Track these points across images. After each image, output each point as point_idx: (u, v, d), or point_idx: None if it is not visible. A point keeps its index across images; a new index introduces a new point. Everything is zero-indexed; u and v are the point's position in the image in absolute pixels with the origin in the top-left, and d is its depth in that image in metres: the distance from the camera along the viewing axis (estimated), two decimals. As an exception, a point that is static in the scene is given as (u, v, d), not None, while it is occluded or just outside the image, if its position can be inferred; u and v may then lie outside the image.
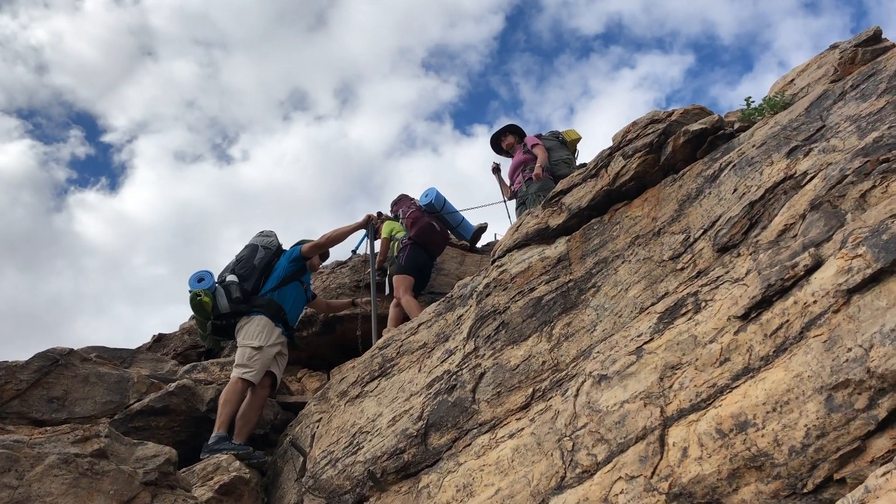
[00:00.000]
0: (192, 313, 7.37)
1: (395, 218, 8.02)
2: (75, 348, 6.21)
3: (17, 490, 3.63)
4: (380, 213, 7.63)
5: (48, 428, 4.15)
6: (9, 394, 5.56)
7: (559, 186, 4.75)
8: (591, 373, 3.41)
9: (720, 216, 3.45)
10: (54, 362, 5.83)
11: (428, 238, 7.61)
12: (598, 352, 3.52)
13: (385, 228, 7.93)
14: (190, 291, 6.13)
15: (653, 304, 3.44)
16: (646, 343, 3.22)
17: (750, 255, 3.07)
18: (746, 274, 2.99)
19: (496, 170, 8.53)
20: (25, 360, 5.90)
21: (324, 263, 7.80)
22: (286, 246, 6.69)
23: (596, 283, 3.93)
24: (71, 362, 5.94)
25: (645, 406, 2.96)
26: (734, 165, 3.72)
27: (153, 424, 5.81)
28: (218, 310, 6.12)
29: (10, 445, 3.76)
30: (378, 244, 7.76)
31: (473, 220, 8.74)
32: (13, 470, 3.69)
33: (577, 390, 3.41)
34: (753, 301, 2.79)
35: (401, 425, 4.34)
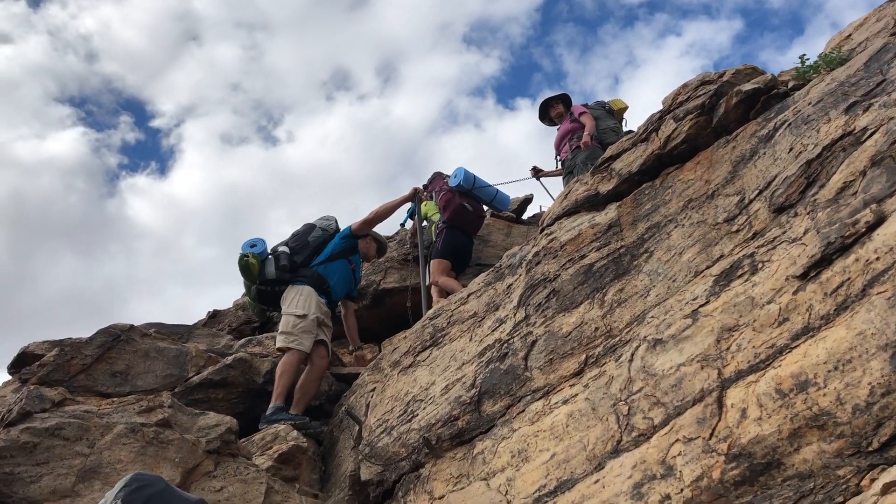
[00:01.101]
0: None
1: (431, 198, 8.02)
2: (135, 324, 6.40)
3: (89, 457, 3.78)
4: (426, 186, 7.64)
5: (115, 399, 4.30)
6: (75, 369, 5.76)
7: (608, 152, 4.71)
8: (645, 337, 3.39)
9: (776, 176, 3.39)
10: (116, 338, 6.02)
11: (462, 220, 7.59)
12: (652, 316, 3.50)
13: (421, 210, 7.93)
14: (241, 253, 6.28)
15: (708, 268, 3.40)
16: (701, 306, 3.19)
17: (808, 214, 3.01)
18: (804, 233, 2.94)
19: (536, 173, 8.40)
20: (88, 337, 6.10)
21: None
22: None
23: (648, 248, 3.90)
24: (131, 338, 6.12)
25: (702, 368, 2.94)
26: (789, 124, 3.64)
27: (212, 397, 5.96)
28: (265, 275, 6.26)
29: (80, 415, 3.91)
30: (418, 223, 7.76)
31: (519, 192, 8.72)
32: (84, 439, 3.84)
33: (632, 355, 3.41)
34: (813, 260, 2.74)
35: (454, 393, 4.39)
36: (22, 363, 7.29)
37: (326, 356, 6.21)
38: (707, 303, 3.18)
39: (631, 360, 3.38)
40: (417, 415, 4.58)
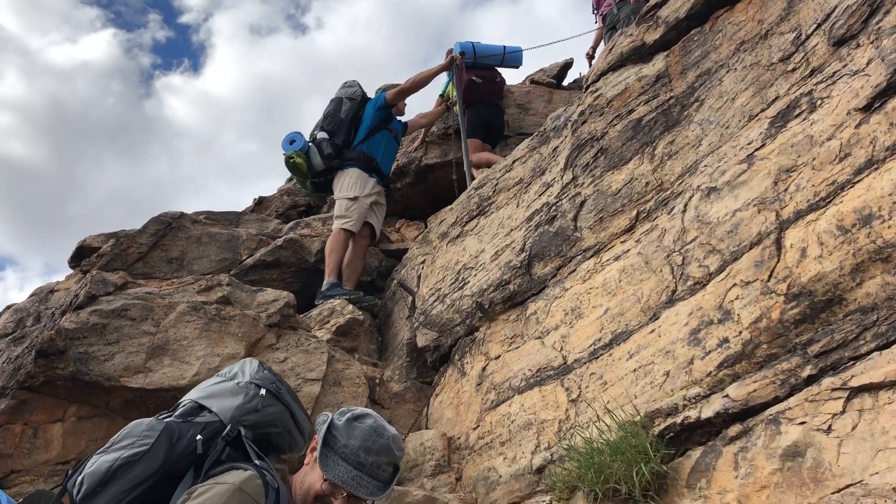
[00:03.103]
0: (289, 175, 7.56)
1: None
2: (185, 212, 6.50)
3: (156, 336, 3.92)
4: (463, 54, 7.41)
5: (175, 280, 4.42)
6: (132, 257, 5.92)
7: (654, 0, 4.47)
8: (698, 187, 3.32)
9: (835, 7, 3.18)
10: (168, 225, 6.14)
11: (475, 94, 7.36)
12: (705, 165, 3.41)
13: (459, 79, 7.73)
14: (284, 154, 6.25)
15: (763, 110, 3.27)
16: (757, 150, 3.09)
17: (871, 43, 2.84)
18: (868, 64, 2.78)
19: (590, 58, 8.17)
20: (142, 226, 6.24)
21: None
22: (371, 94, 6.66)
23: (699, 96, 3.75)
24: (183, 224, 6.24)
25: (759, 212, 2.87)
26: (850, -48, 3.38)
27: (266, 277, 6.11)
28: (313, 168, 6.25)
29: (143, 297, 4.04)
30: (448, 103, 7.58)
31: (558, 57, 8.43)
32: (149, 319, 3.98)
33: (685, 206, 3.35)
34: (877, 90, 2.60)
35: (504, 258, 4.41)
36: (80, 257, 7.52)
37: (368, 236, 6.27)
38: (763, 146, 3.07)
39: (684, 211, 3.33)
40: (469, 282, 4.63)
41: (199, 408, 2.14)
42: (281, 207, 8.98)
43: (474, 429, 3.97)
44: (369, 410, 2.09)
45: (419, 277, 5.41)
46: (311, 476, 2.04)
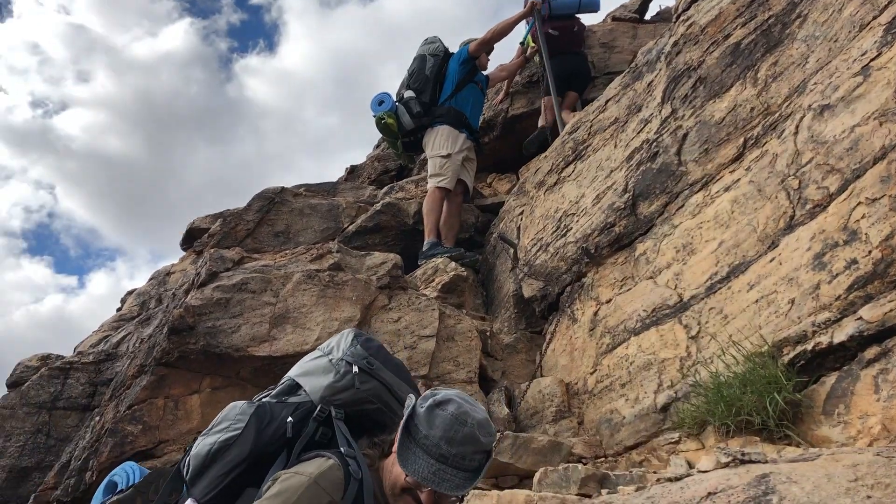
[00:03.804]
0: (380, 136, 7.64)
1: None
2: (285, 186, 6.70)
3: (276, 306, 4.09)
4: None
5: (287, 252, 4.58)
6: (241, 234, 6.16)
7: (742, -84, 4.25)
8: (809, 106, 3.18)
9: None
10: (271, 200, 6.35)
11: (554, 47, 7.15)
12: (814, 83, 3.25)
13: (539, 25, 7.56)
14: (374, 116, 6.31)
15: (875, 17, 3.08)
16: (872, 60, 2.92)
17: None
18: None
19: None
20: (246, 204, 6.47)
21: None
22: (453, 49, 6.63)
23: (801, 12, 3.57)
24: (285, 199, 6.43)
25: (881, 125, 2.73)
26: None
27: (369, 242, 6.24)
28: (403, 128, 6.29)
29: (260, 270, 4.21)
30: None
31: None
32: (268, 290, 4.15)
33: (796, 128, 3.21)
34: None
35: (606, 201, 4.35)
36: (191, 238, 7.88)
37: (462, 191, 6.30)
38: (878, 55, 2.91)
39: (796, 133, 3.20)
40: (571, 228, 4.60)
41: (296, 386, 2.11)
42: (373, 174, 9.11)
43: (591, 373, 3.98)
44: (454, 394, 1.88)
45: (519, 229, 5.42)
46: (397, 466, 1.87)
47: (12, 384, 6.43)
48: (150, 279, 8.18)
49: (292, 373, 2.18)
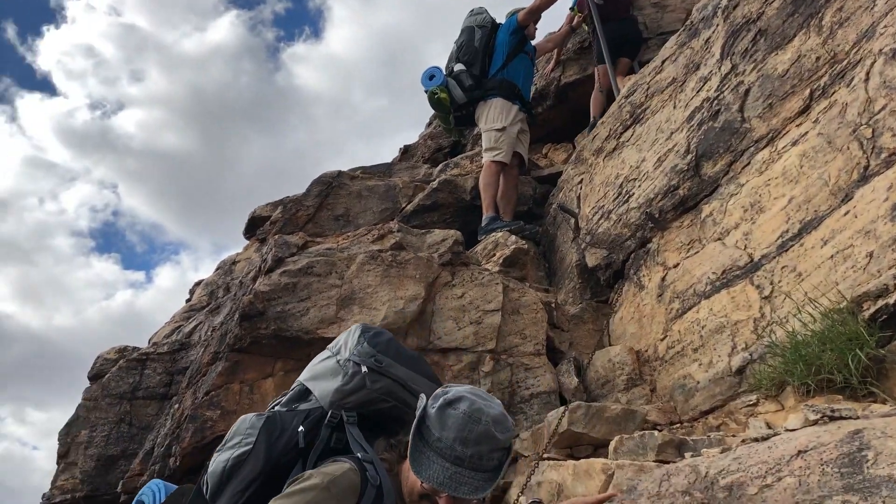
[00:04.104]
0: (432, 114, 7.63)
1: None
2: (342, 170, 6.76)
3: (342, 287, 4.14)
4: None
5: (349, 234, 4.62)
6: (302, 219, 6.25)
7: None
8: (880, 51, 3.04)
9: None
10: (329, 185, 6.41)
11: (604, 15, 6.97)
12: (884, 27, 3.11)
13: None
14: (426, 91, 6.29)
15: (948, -48, 2.93)
16: (948, -3, 2.78)
17: None
18: None
19: None
20: (305, 190, 6.55)
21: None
22: (500, 20, 6.55)
23: (866, -48, 3.41)
24: (342, 182, 6.49)
25: (960, 65, 2.60)
26: None
27: (427, 221, 6.25)
28: (455, 102, 6.26)
29: (324, 253, 4.26)
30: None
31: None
32: (333, 272, 4.20)
33: (867, 74, 3.08)
34: None
35: (668, 164, 4.26)
36: (253, 227, 8.02)
37: (517, 164, 6.25)
38: (954, -8, 2.76)
39: (866, 80, 3.07)
40: (633, 193, 4.53)
41: (306, 391, 2.04)
42: (426, 153, 9.11)
43: (662, 339, 3.93)
44: (466, 391, 1.77)
45: (579, 198, 5.36)
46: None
47: (94, 377, 6.68)
48: (217, 269, 8.37)
49: (302, 377, 2.11)
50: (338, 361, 2.00)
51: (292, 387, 2.13)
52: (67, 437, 6.33)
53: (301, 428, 1.88)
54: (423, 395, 1.80)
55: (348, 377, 1.94)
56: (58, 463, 6.35)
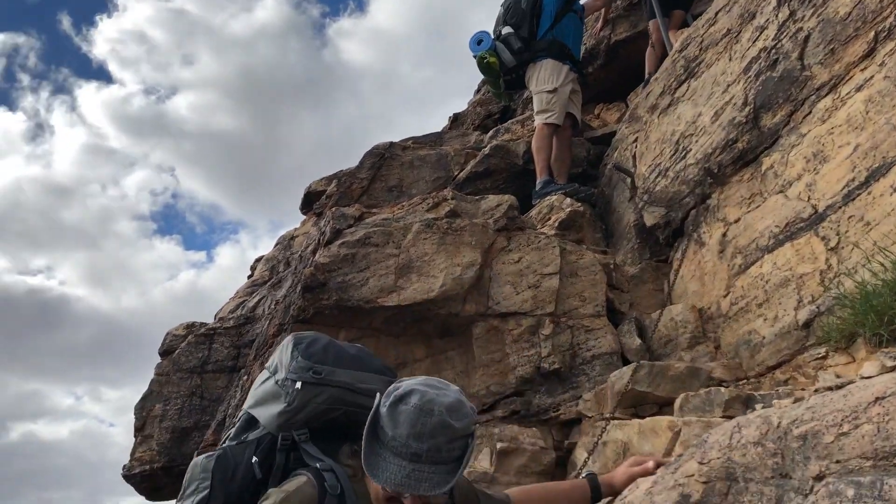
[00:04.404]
0: (480, 80, 7.58)
1: None
2: (393, 140, 6.78)
3: (399, 257, 4.18)
4: None
5: (404, 204, 4.66)
6: (356, 192, 6.31)
7: None
8: (949, -14, 2.91)
9: None
10: (381, 156, 6.45)
11: None
12: (953, -40, 2.97)
13: None
14: (475, 56, 6.24)
15: None
16: None
17: None
18: None
19: None
20: (358, 163, 6.59)
21: None
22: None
23: None
24: (394, 153, 6.52)
25: None
26: None
27: (480, 188, 6.24)
28: (505, 65, 6.20)
29: (381, 223, 4.31)
30: None
31: None
32: (390, 242, 4.24)
33: (935, 11, 2.95)
34: None
35: (725, 117, 4.16)
36: (309, 202, 8.13)
37: (570, 125, 6.18)
38: None
39: (935, 18, 2.94)
40: (690, 149, 4.44)
41: (252, 419, 1.97)
42: (476, 119, 9.08)
43: (724, 296, 3.87)
44: (418, 382, 1.68)
45: (634, 157, 5.28)
46: None
47: (164, 353, 6.91)
48: (276, 244, 8.52)
49: (246, 405, 2.04)
50: (276, 382, 1.92)
51: (238, 416, 2.07)
52: (143, 411, 6.57)
53: (255, 458, 1.83)
54: (378, 394, 1.72)
55: (290, 397, 1.85)
56: (135, 436, 6.61)
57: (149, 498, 6.66)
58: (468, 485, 1.99)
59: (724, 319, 3.80)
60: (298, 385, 1.85)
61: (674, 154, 4.62)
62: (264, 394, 1.93)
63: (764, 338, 3.43)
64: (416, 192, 6.34)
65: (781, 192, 3.63)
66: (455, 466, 1.60)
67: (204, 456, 1.91)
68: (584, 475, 2.09)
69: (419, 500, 1.60)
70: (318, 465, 1.74)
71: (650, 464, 2.05)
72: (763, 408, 1.79)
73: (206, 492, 1.80)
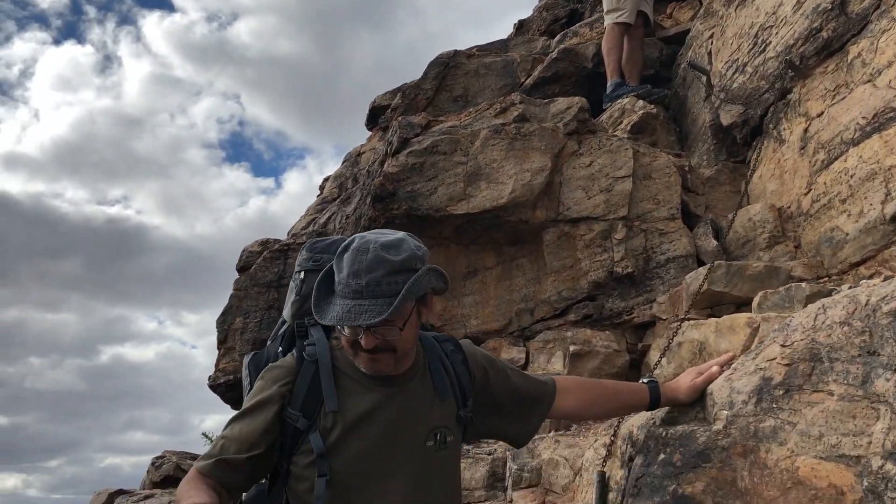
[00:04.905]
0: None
1: None
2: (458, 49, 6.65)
3: (467, 164, 4.15)
4: None
5: (471, 110, 4.60)
6: (421, 104, 6.25)
7: None
8: None
9: None
10: (445, 65, 6.34)
11: None
12: None
13: None
14: None
15: None
16: None
17: None
18: None
19: None
20: (422, 74, 6.51)
21: None
22: None
23: None
24: (459, 62, 6.40)
25: None
26: None
27: (549, 93, 6.08)
28: None
29: (447, 131, 4.27)
30: None
31: None
32: (458, 150, 4.21)
33: None
34: None
35: (809, 5, 3.92)
36: (374, 117, 8.09)
37: (642, 24, 5.92)
38: None
39: None
40: (770, 42, 4.22)
41: (282, 321, 2.07)
42: (542, 25, 8.78)
43: (805, 194, 3.73)
44: (367, 234, 1.73)
45: (710, 54, 5.05)
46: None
47: (241, 269, 7.10)
48: (344, 161, 8.56)
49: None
50: (293, 280, 2.02)
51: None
52: (224, 324, 6.82)
53: (279, 349, 1.94)
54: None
55: (298, 286, 1.96)
56: (218, 349, 6.89)
57: (233, 406, 6.98)
58: (500, 365, 2.01)
59: (805, 217, 3.67)
60: (301, 275, 1.96)
61: (752, 48, 4.40)
62: (288, 292, 2.06)
63: (847, 234, 3.31)
64: (482, 100, 6.23)
65: (870, 81, 3.43)
66: (394, 297, 1.60)
67: (247, 355, 2.07)
68: (646, 380, 2.05)
69: (372, 337, 1.64)
70: (306, 341, 1.84)
71: (714, 369, 2.00)
72: (850, 288, 1.73)
73: (246, 380, 1.97)
